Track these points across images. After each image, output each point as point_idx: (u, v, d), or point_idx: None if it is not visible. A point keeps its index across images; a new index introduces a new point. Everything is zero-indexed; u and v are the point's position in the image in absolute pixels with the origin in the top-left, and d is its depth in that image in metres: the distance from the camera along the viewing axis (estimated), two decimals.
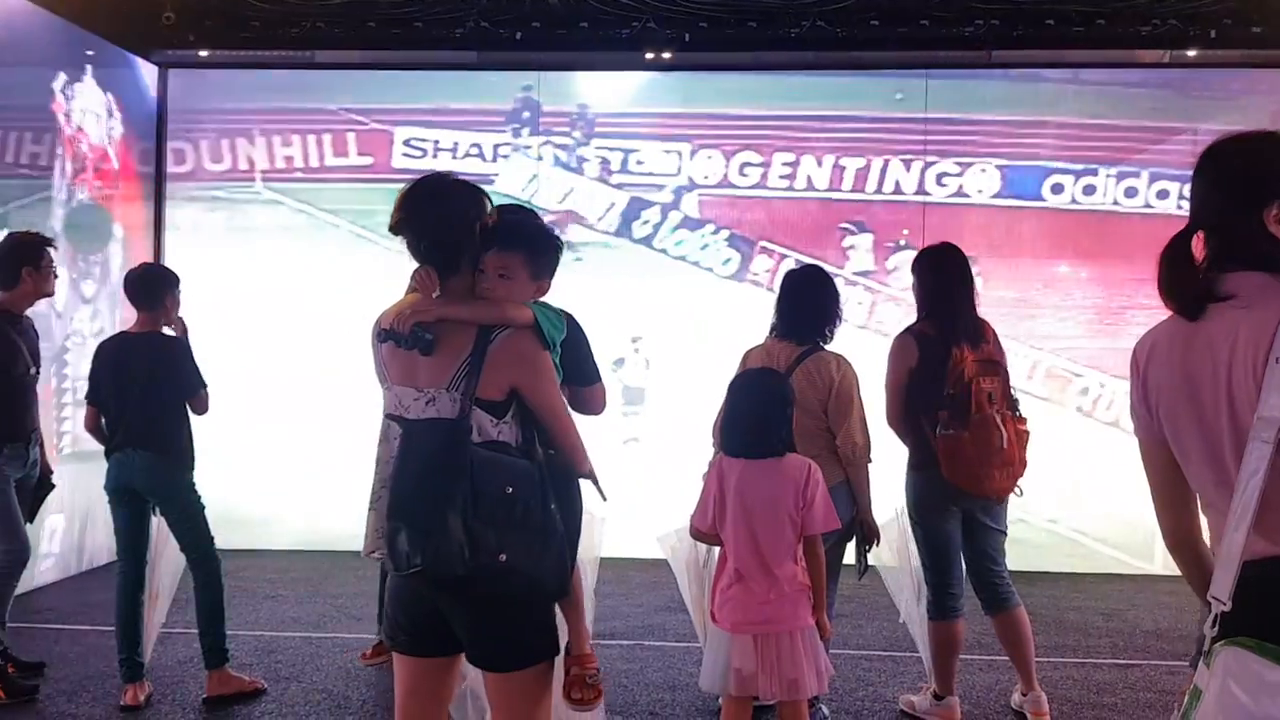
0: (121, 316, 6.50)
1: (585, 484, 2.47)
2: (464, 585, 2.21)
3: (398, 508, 2.22)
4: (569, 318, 3.11)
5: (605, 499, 2.46)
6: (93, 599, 5.59)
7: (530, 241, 2.42)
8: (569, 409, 2.38)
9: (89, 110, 6.64)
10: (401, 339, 2.26)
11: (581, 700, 2.37)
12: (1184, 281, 1.80)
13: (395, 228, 2.34)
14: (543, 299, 2.44)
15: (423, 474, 2.20)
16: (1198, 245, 1.81)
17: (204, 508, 4.34)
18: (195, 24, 7.11)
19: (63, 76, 6.39)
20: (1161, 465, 1.89)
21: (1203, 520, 1.90)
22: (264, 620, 5.55)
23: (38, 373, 4.56)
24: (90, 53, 6.64)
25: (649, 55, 7.24)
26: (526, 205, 4.44)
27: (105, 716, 4.15)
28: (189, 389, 4.32)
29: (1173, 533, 1.94)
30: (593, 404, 2.87)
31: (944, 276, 4.06)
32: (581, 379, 2.87)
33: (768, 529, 3.18)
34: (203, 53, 7.33)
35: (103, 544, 6.03)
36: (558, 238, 2.54)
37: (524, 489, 2.19)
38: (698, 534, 3.37)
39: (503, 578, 2.17)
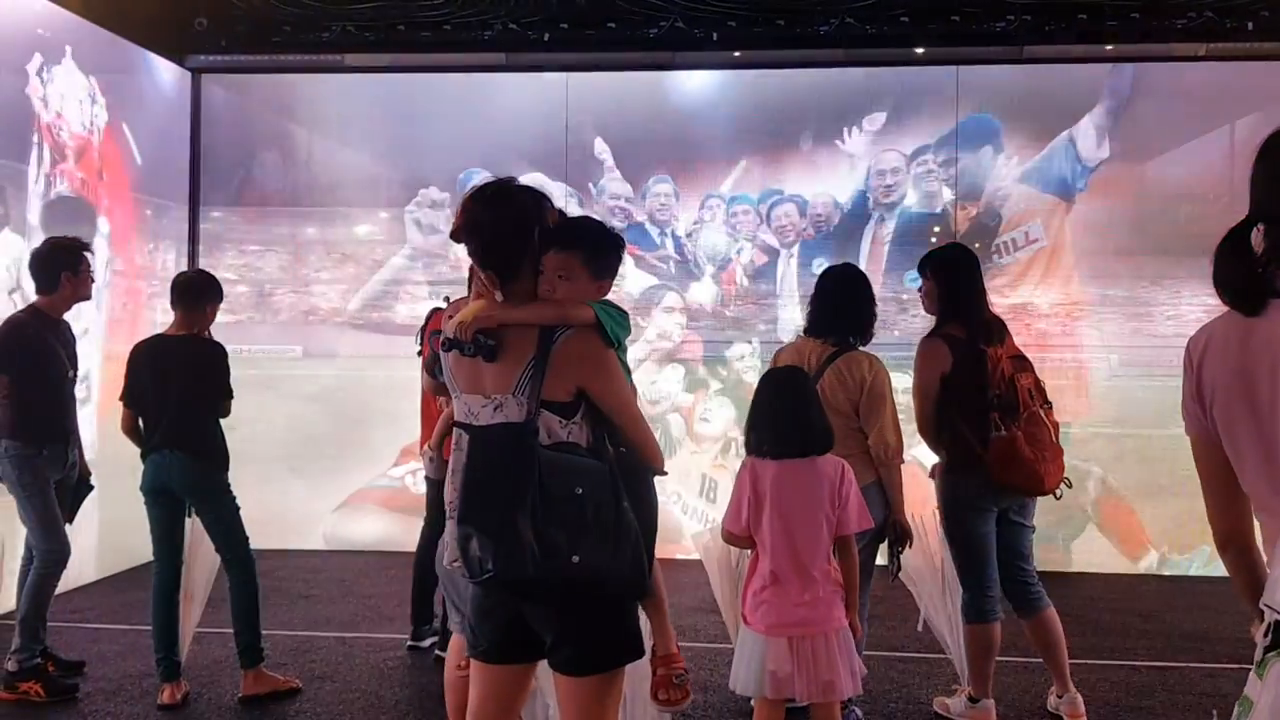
0: (109, 319, 6.55)
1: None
2: (537, 589, 2.20)
3: (467, 514, 2.22)
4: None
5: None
6: (130, 599, 5.66)
7: (589, 241, 2.42)
8: (638, 407, 2.37)
9: (70, 96, 6.33)
10: (464, 347, 2.26)
11: (669, 701, 2.37)
12: (1241, 276, 1.74)
13: (455, 234, 2.36)
14: (605, 298, 2.43)
15: (489, 479, 2.20)
16: (1257, 238, 1.74)
17: (239, 508, 4.39)
18: (227, 29, 7.18)
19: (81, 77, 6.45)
20: (1214, 466, 1.84)
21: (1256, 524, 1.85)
22: (299, 620, 5.59)
23: (75, 375, 4.63)
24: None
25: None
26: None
27: (143, 715, 4.19)
28: (225, 394, 4.37)
29: (1223, 534, 1.88)
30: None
31: (961, 276, 4.03)
32: None
33: (805, 530, 3.17)
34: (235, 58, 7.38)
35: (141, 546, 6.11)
36: (619, 237, 2.53)
37: (594, 489, 2.19)
38: (730, 537, 3.33)
39: (577, 580, 2.16)
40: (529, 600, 2.28)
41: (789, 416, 3.26)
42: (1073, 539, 7.09)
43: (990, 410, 3.81)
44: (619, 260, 2.51)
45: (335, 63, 7.38)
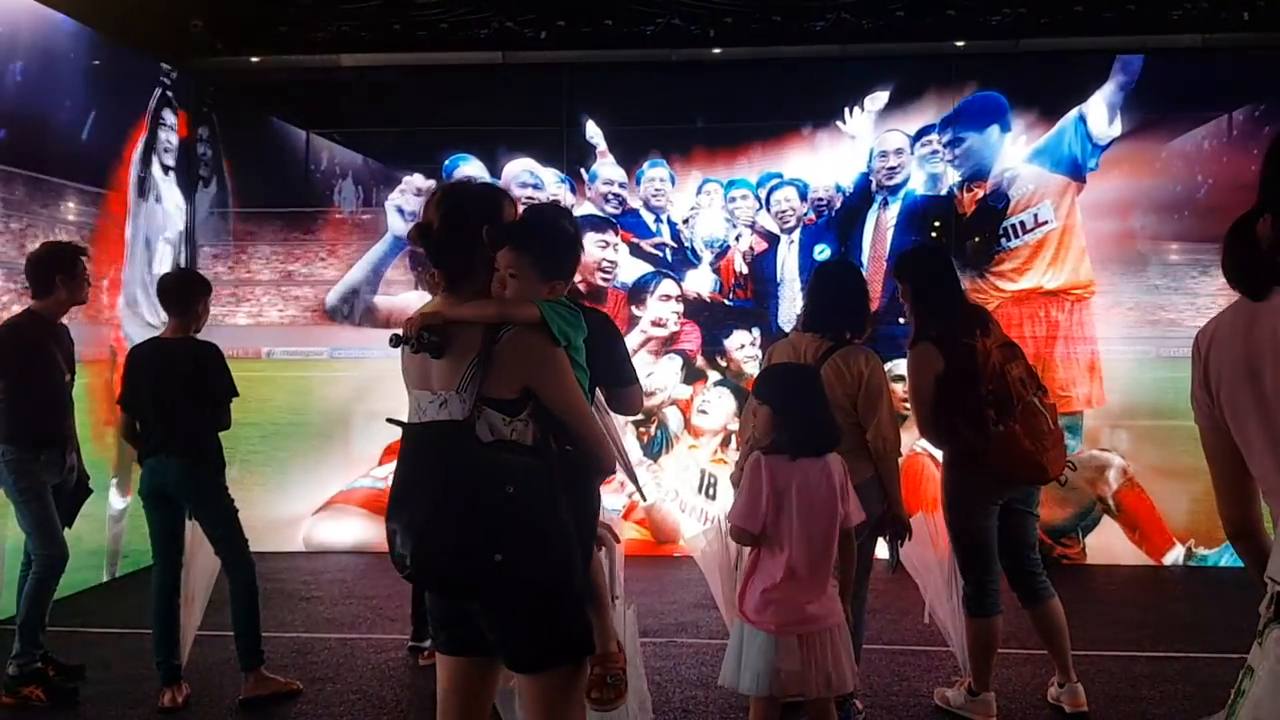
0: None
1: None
2: (457, 586, 2.23)
3: (395, 510, 2.24)
4: (604, 319, 3.12)
5: (645, 500, 2.44)
6: (130, 602, 5.66)
7: (540, 240, 2.41)
8: (589, 406, 2.37)
9: None
10: (410, 342, 2.28)
11: (601, 700, 2.37)
12: (1248, 263, 1.78)
13: (410, 234, 2.40)
14: (559, 298, 2.42)
15: (422, 475, 2.23)
16: (1265, 227, 1.77)
17: (238, 511, 4.39)
18: (222, 31, 7.18)
19: None
20: (1223, 453, 1.86)
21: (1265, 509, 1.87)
22: (299, 622, 5.59)
23: (73, 379, 4.62)
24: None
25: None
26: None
27: (144, 719, 4.19)
28: (224, 395, 4.37)
29: (1233, 522, 1.91)
30: (629, 404, 2.91)
31: (928, 274, 4.05)
32: (616, 380, 2.91)
33: (822, 527, 3.18)
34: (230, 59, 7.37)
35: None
36: (574, 238, 2.53)
37: (526, 487, 2.19)
38: (745, 537, 3.25)
39: (499, 578, 2.16)
40: (453, 597, 2.30)
41: (813, 416, 3.25)
42: (1090, 531, 7.00)
43: (984, 407, 3.80)
44: (572, 260, 2.50)
45: (330, 63, 7.35)
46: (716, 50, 7.18)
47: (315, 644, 5.17)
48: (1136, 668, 4.74)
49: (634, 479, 3.71)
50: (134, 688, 4.48)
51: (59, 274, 4.47)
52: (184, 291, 4.45)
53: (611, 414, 3.41)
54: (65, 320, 4.62)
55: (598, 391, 3.10)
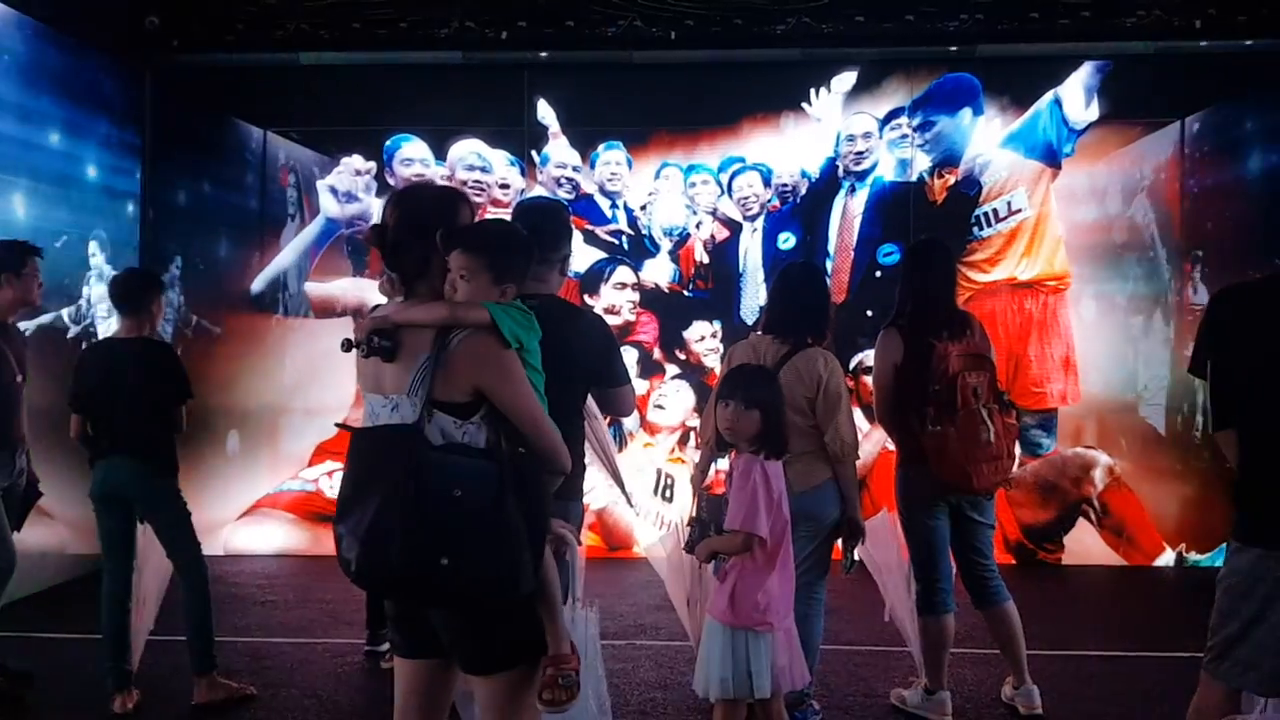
0: None
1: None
2: (402, 589, 2.22)
3: (341, 513, 2.22)
4: (596, 320, 3.13)
5: (633, 505, 2.42)
6: (78, 607, 5.56)
7: (492, 243, 2.40)
8: (542, 407, 2.35)
9: None
10: (359, 347, 2.27)
11: (552, 701, 2.35)
12: None
13: (366, 235, 2.40)
14: (511, 301, 2.40)
15: (364, 479, 2.21)
16: None
17: (190, 514, 4.33)
18: (179, 29, 7.09)
19: None
20: None
21: None
22: (254, 626, 5.53)
23: (24, 381, 4.53)
24: None
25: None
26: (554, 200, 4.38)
27: None
28: (178, 396, 4.31)
29: None
30: (620, 405, 2.95)
31: (925, 270, 4.10)
32: (608, 380, 2.92)
33: (787, 525, 3.30)
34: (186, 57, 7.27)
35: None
36: (526, 241, 2.51)
37: (474, 491, 2.17)
38: (755, 541, 3.23)
39: (446, 581, 2.14)
40: (402, 600, 2.31)
41: (785, 420, 3.39)
42: (1069, 531, 6.97)
43: (926, 404, 3.86)
44: (524, 264, 2.48)
45: (290, 61, 7.27)
46: (678, 52, 7.18)
47: (269, 648, 5.10)
48: (1089, 667, 4.80)
49: (620, 484, 3.71)
50: (84, 693, 4.40)
51: (5, 272, 4.40)
52: (141, 291, 4.39)
53: (599, 418, 3.41)
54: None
55: (588, 396, 3.11)
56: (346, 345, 2.32)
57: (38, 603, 5.74)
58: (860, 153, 7.14)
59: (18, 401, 4.50)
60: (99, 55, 6.82)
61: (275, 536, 7.31)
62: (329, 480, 7.21)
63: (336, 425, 2.40)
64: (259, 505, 7.36)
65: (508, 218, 3.46)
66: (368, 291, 7.15)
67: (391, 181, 7.33)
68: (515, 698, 2.32)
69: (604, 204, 7.35)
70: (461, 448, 2.24)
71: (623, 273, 7.32)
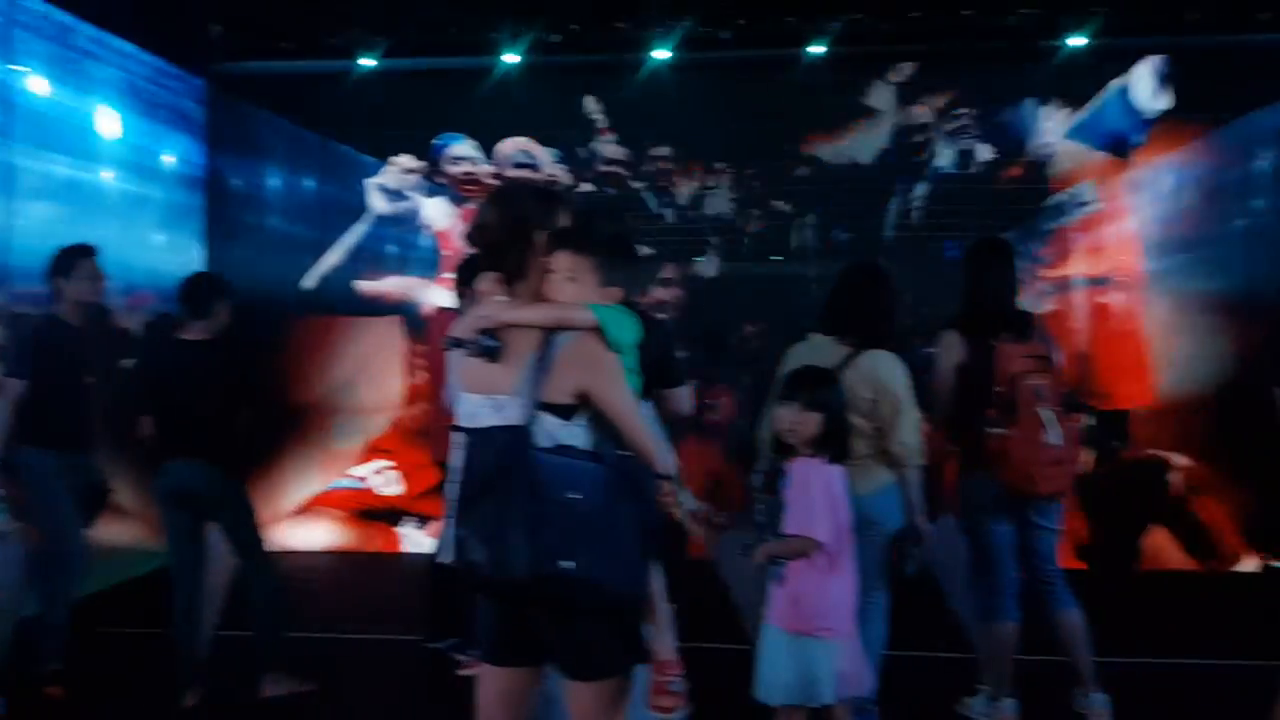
0: None
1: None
2: (530, 593, 2.20)
3: (463, 516, 2.22)
4: (657, 323, 3.15)
5: (691, 505, 2.40)
6: (149, 603, 5.65)
7: (599, 245, 2.41)
8: (640, 411, 2.36)
9: None
10: (468, 347, 2.26)
11: (665, 708, 2.36)
12: None
13: (467, 236, 2.40)
14: (615, 303, 2.41)
15: (484, 481, 2.21)
16: None
17: (256, 512, 4.39)
18: (240, 37, 7.20)
19: None
20: None
21: None
22: (309, 622, 5.53)
23: (94, 382, 4.62)
24: None
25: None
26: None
27: (162, 717, 4.21)
28: (243, 398, 4.37)
29: None
30: (679, 404, 3.03)
31: (986, 269, 4.06)
32: (668, 381, 2.93)
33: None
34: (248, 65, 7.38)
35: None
36: (631, 243, 2.53)
37: (589, 494, 2.17)
38: (814, 546, 3.24)
39: (569, 585, 2.14)
40: (524, 604, 2.28)
41: (847, 423, 3.40)
42: (1144, 536, 6.74)
43: (988, 407, 3.81)
44: (631, 266, 2.50)
45: (347, 66, 7.35)
46: (738, 52, 7.13)
47: (325, 644, 5.14)
48: (1164, 675, 4.70)
49: (679, 485, 3.70)
50: (156, 688, 4.48)
51: (57, 276, 4.51)
52: (207, 294, 4.46)
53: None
54: None
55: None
56: (451, 344, 2.32)
57: (109, 599, 5.84)
58: (919, 144, 6.95)
59: (89, 402, 4.60)
60: (164, 63, 6.95)
61: (327, 533, 7.40)
62: (379, 478, 7.29)
63: (451, 427, 2.36)
64: (310, 503, 7.45)
65: None
66: (417, 289, 7.26)
67: (440, 181, 7.40)
68: (611, 705, 2.31)
69: (653, 201, 7.35)
70: (569, 449, 2.24)
71: (669, 270, 7.31)
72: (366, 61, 7.24)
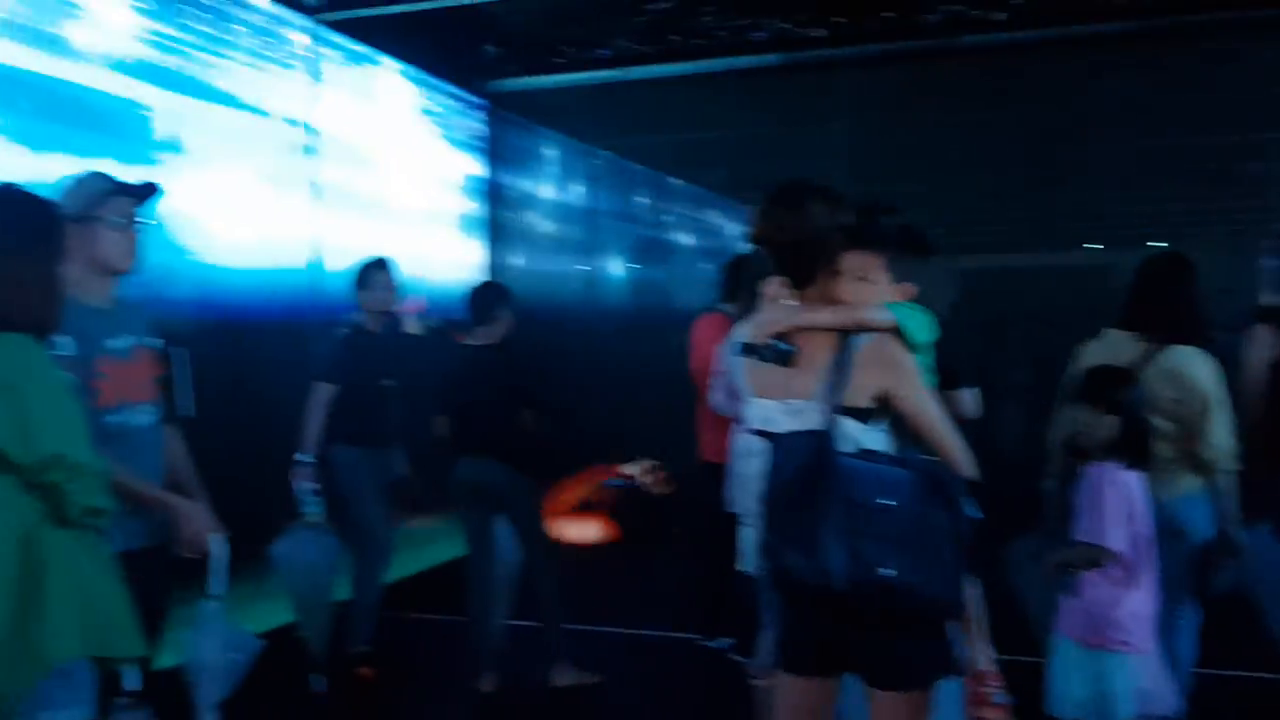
0: None
1: None
2: (848, 601, 2.16)
3: (773, 524, 2.20)
4: (940, 324, 3.07)
5: (980, 516, 2.29)
6: (448, 590, 6.02)
7: (890, 242, 2.36)
8: (943, 413, 2.29)
9: None
10: (762, 352, 2.26)
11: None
12: None
13: (753, 238, 2.38)
14: (907, 300, 2.37)
15: (794, 488, 2.18)
16: None
17: (542, 510, 4.59)
18: (514, 56, 7.56)
19: None
20: None
21: None
22: (599, 615, 5.70)
23: (395, 384, 4.97)
24: None
25: None
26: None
27: (463, 700, 4.47)
28: (527, 399, 4.58)
29: None
30: (964, 407, 2.96)
31: None
32: (953, 383, 2.87)
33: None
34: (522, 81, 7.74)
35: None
36: (921, 236, 2.47)
37: (903, 500, 2.12)
38: (1108, 556, 3.10)
39: (889, 592, 2.10)
40: (838, 612, 2.23)
41: (1148, 426, 3.20)
42: None
43: None
44: (923, 262, 2.43)
45: (618, 79, 7.57)
46: (1009, 35, 6.81)
47: (606, 638, 5.28)
48: None
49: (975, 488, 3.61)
50: (454, 672, 4.76)
51: (360, 289, 4.87)
52: (487, 302, 4.71)
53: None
54: None
55: None
56: (744, 351, 2.33)
57: (413, 585, 6.25)
58: None
59: (386, 403, 4.94)
60: (447, 84, 7.41)
61: (600, 530, 7.60)
62: (648, 477, 7.45)
63: (754, 431, 2.37)
64: (585, 499, 7.69)
65: None
66: None
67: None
68: (919, 715, 2.26)
69: None
70: (874, 454, 2.21)
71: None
72: (627, 70, 7.43)
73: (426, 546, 6.46)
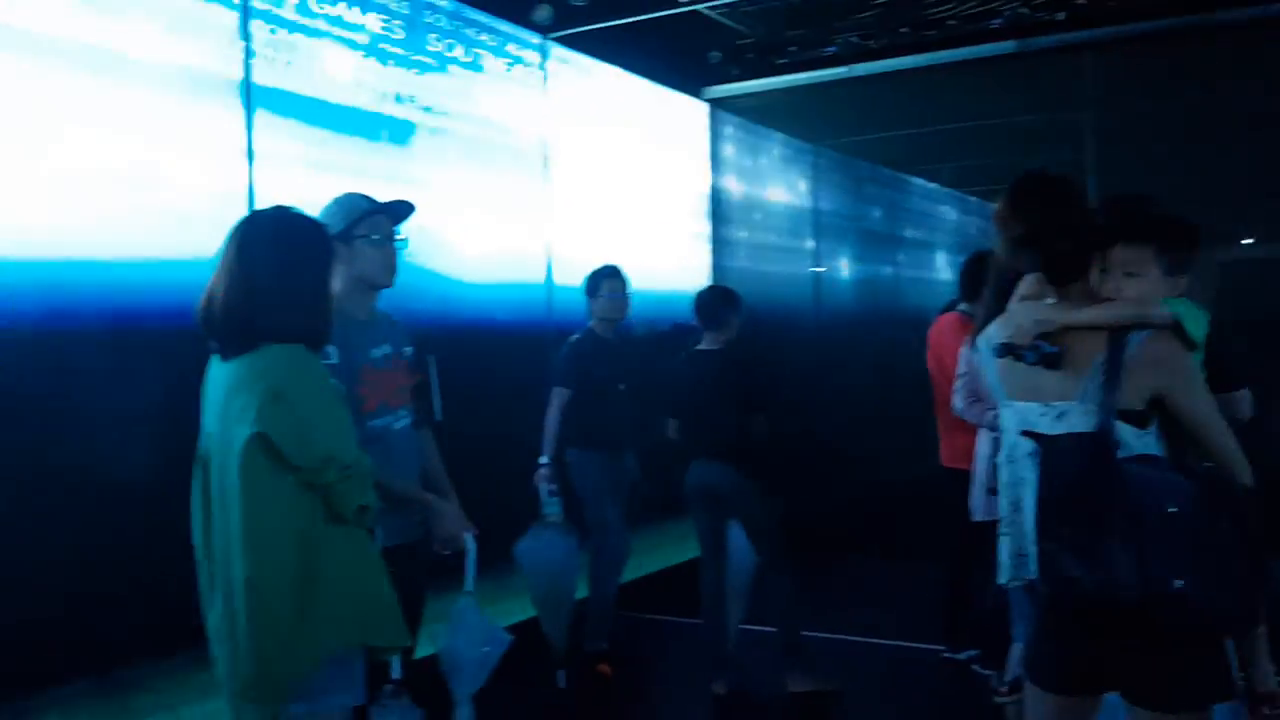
0: None
1: None
2: (1132, 615, 2.03)
3: (1049, 533, 2.09)
4: (1212, 320, 2.85)
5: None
6: (683, 592, 6.09)
7: (1162, 233, 2.21)
8: (1219, 415, 2.12)
9: None
10: (1024, 353, 2.17)
11: None
12: None
13: (1008, 233, 2.26)
14: (1180, 295, 2.21)
15: (1072, 495, 2.07)
16: None
17: (776, 512, 4.55)
18: (737, 59, 7.58)
19: None
20: None
21: None
22: (842, 624, 5.58)
23: (626, 388, 5.06)
24: None
25: None
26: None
27: (697, 701, 4.50)
28: (754, 404, 4.56)
29: None
30: (1236, 409, 2.66)
31: None
32: (1225, 383, 2.65)
33: None
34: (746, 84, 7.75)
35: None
36: (1194, 227, 2.28)
37: (1189, 508, 1.97)
38: None
39: (1180, 606, 1.96)
40: (1112, 626, 2.10)
41: None
42: None
43: None
44: (1195, 253, 2.24)
45: (842, 76, 7.46)
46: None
47: (843, 646, 5.21)
48: None
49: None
50: (688, 673, 4.81)
51: (589, 296, 4.99)
52: (715, 306, 4.73)
53: None
54: None
55: None
56: (1002, 351, 2.24)
57: (647, 585, 6.33)
58: None
59: (619, 407, 5.03)
60: (670, 92, 7.51)
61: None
62: None
63: (1023, 433, 2.25)
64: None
65: None
66: None
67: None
68: None
69: None
70: (1151, 459, 2.07)
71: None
72: (852, 67, 7.30)
73: (662, 547, 6.57)
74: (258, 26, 4.34)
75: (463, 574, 2.97)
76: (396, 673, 2.67)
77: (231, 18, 4.24)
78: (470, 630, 2.86)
